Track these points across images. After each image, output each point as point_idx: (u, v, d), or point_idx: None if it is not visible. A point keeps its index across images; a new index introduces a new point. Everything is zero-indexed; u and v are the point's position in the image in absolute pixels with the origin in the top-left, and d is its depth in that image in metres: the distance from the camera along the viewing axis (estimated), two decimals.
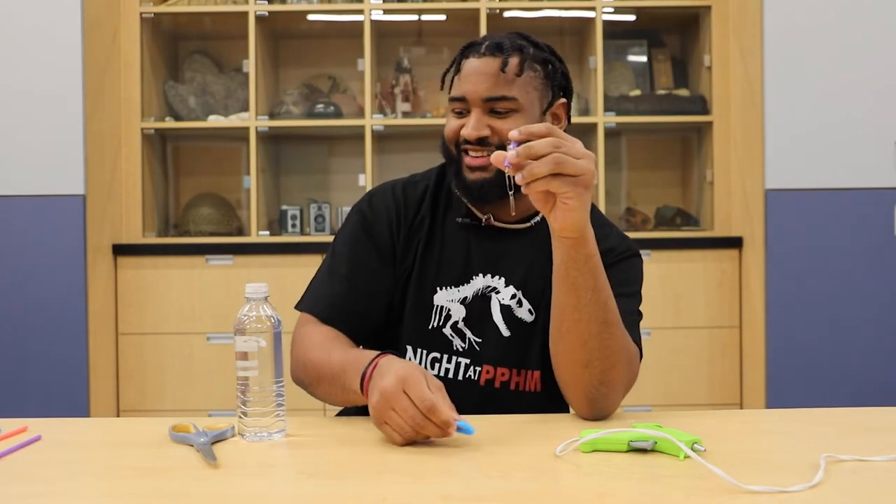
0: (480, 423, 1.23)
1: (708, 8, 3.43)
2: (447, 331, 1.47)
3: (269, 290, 1.22)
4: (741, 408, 3.30)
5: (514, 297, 1.47)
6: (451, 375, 1.46)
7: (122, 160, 3.41)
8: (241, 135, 3.58)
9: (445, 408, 1.14)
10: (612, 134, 3.62)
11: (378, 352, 1.27)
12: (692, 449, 1.06)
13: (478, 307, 1.47)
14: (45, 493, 1.01)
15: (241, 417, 1.21)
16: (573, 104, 1.53)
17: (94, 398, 3.18)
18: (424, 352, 1.47)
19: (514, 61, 1.40)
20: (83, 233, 3.13)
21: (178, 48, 3.82)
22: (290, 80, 3.83)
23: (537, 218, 1.50)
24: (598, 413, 1.31)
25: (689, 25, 3.67)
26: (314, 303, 1.47)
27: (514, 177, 1.17)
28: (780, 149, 3.16)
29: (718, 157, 3.41)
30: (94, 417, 3.10)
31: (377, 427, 1.19)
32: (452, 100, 1.45)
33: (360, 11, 3.47)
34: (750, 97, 3.25)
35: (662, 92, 3.64)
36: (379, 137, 3.57)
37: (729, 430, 1.29)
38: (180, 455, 1.14)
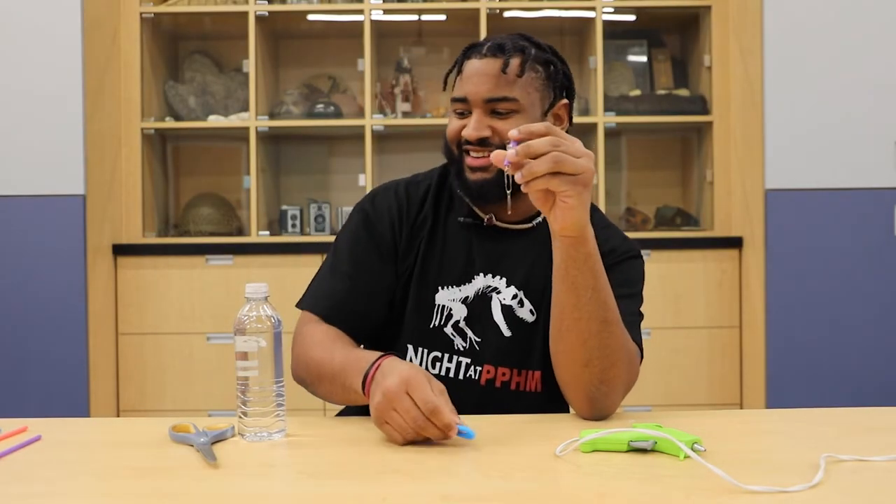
0: (480, 423, 1.23)
1: (708, 8, 3.43)
2: (448, 330, 1.47)
3: (269, 290, 1.23)
4: (741, 408, 3.30)
5: (515, 297, 1.47)
6: (451, 375, 1.46)
7: (122, 160, 3.41)
8: (241, 135, 3.58)
9: (448, 411, 1.14)
10: (612, 134, 3.62)
11: (381, 353, 1.28)
12: (692, 449, 1.06)
13: (479, 307, 1.47)
14: (45, 493, 1.01)
15: (241, 417, 1.21)
16: (574, 105, 1.53)
17: (94, 398, 3.18)
18: (425, 351, 1.47)
19: (515, 62, 1.41)
20: (83, 233, 3.13)
21: (178, 48, 3.82)
22: (290, 80, 3.83)
23: (539, 218, 1.50)
24: (599, 413, 1.31)
25: (689, 25, 3.67)
26: (315, 301, 1.47)
27: (513, 176, 1.18)
28: (780, 149, 3.16)
29: (718, 157, 3.41)
30: (94, 417, 3.10)
31: (378, 427, 1.19)
32: (454, 100, 1.45)
33: (360, 11, 3.47)
34: (750, 97, 3.25)
35: (662, 92, 3.64)
36: (379, 137, 3.57)
37: (729, 430, 1.29)
38: (180, 455, 1.14)
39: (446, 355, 1.47)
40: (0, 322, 3.12)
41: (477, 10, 3.43)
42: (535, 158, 1.16)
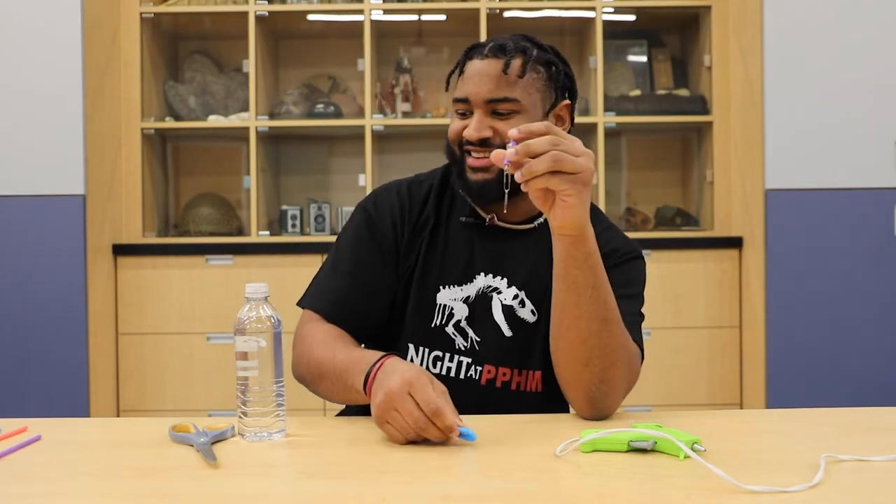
0: (480, 423, 1.23)
1: (708, 8, 3.43)
2: (449, 329, 1.47)
3: (269, 290, 1.23)
4: (741, 408, 3.30)
5: (516, 297, 1.47)
6: (452, 374, 1.47)
7: (122, 160, 3.41)
8: (241, 135, 3.58)
9: (450, 412, 1.15)
10: (612, 134, 3.62)
11: (383, 353, 1.28)
12: (692, 449, 1.06)
13: (480, 306, 1.48)
14: (45, 493, 1.01)
15: (241, 417, 1.21)
16: (575, 105, 1.53)
17: (94, 398, 3.18)
18: (426, 350, 1.48)
19: (516, 63, 1.41)
20: (83, 233, 3.13)
21: (178, 48, 3.82)
22: (290, 80, 3.83)
23: (541, 219, 1.50)
24: (599, 412, 1.31)
25: (689, 25, 3.67)
26: (317, 300, 1.48)
27: (512, 175, 1.18)
28: (780, 149, 3.16)
29: (718, 157, 3.41)
30: (94, 417, 3.10)
31: (379, 426, 1.19)
32: (455, 101, 1.45)
33: (360, 11, 3.47)
34: (750, 97, 3.25)
35: (662, 92, 3.64)
36: (379, 137, 3.57)
37: (729, 430, 1.29)
38: (180, 455, 1.14)
39: (447, 355, 1.47)
40: (0, 322, 3.12)
41: (477, 10, 3.43)
42: (534, 157, 1.16)
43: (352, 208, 1.57)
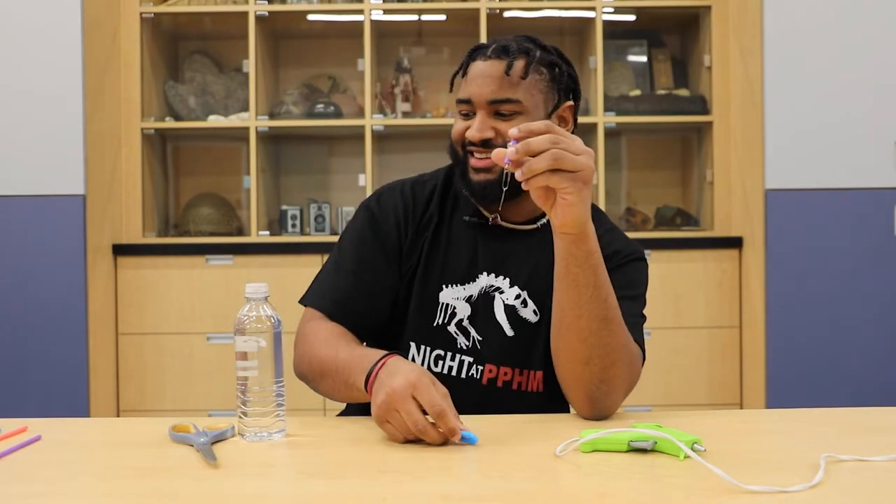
0: (481, 423, 1.23)
1: (708, 8, 3.43)
2: (452, 328, 1.47)
3: (269, 290, 1.23)
4: (741, 408, 3.30)
5: (518, 297, 1.48)
6: (454, 373, 1.47)
7: (122, 160, 3.41)
8: (241, 135, 3.58)
9: (452, 416, 1.15)
10: (612, 134, 3.62)
11: (385, 352, 1.28)
12: (692, 449, 1.06)
13: (482, 306, 1.48)
14: (45, 493, 1.01)
15: (241, 417, 1.21)
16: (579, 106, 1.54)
17: (94, 398, 3.18)
18: (428, 349, 1.48)
19: (519, 64, 1.41)
20: (83, 233, 3.13)
21: (178, 48, 3.82)
22: (290, 80, 3.83)
23: (543, 220, 1.51)
24: (599, 412, 1.31)
25: (689, 25, 3.67)
26: (320, 298, 1.48)
27: (512, 173, 1.19)
28: (780, 149, 3.16)
29: (718, 157, 3.41)
30: (94, 417, 3.10)
31: (379, 425, 1.19)
32: (459, 102, 1.46)
33: (360, 11, 3.47)
34: (750, 97, 3.25)
35: (662, 92, 3.64)
36: (379, 137, 3.57)
37: (729, 430, 1.29)
38: (180, 455, 1.14)
39: (449, 353, 1.47)
40: (0, 322, 3.12)
41: (477, 10, 3.43)
42: (534, 156, 1.17)
43: (352, 208, 1.58)
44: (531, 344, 1.47)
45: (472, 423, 1.21)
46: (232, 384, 1.30)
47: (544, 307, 1.46)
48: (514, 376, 1.47)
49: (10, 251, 3.13)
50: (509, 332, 1.47)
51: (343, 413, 1.57)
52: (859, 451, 1.09)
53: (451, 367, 1.47)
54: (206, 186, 3.76)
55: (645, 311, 1.46)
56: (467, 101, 1.44)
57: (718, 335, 3.35)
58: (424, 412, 1.15)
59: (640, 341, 1.38)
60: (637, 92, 3.59)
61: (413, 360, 1.47)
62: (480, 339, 1.47)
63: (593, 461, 1.08)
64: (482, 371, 1.47)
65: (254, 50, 3.43)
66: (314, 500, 0.98)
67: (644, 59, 3.74)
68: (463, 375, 1.47)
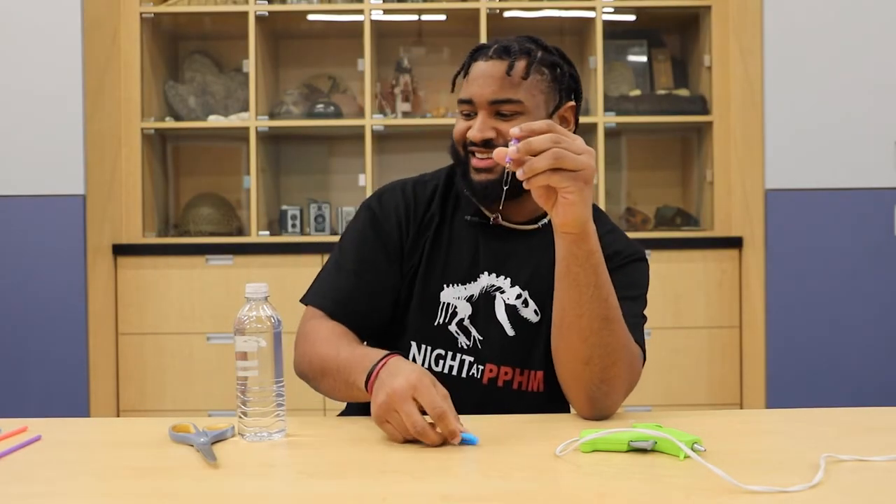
0: (481, 424, 1.23)
1: (708, 8, 3.43)
2: (453, 328, 1.47)
3: (269, 290, 1.23)
4: (741, 408, 3.30)
5: (519, 297, 1.48)
6: (454, 373, 1.47)
7: (122, 160, 3.41)
8: (241, 135, 3.58)
9: (453, 418, 1.15)
10: (612, 134, 3.62)
11: (387, 352, 1.28)
12: (692, 449, 1.06)
13: (483, 306, 1.48)
14: (45, 493, 1.01)
15: (241, 417, 1.21)
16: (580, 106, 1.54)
17: (94, 398, 3.18)
18: (429, 348, 1.48)
19: (520, 65, 1.42)
20: (83, 233, 3.13)
21: (178, 48, 3.82)
22: (290, 80, 3.83)
23: (545, 220, 1.51)
24: (599, 412, 1.31)
25: (689, 25, 3.67)
26: (321, 297, 1.48)
27: (513, 173, 1.19)
28: (780, 149, 3.16)
29: (718, 157, 3.41)
30: (94, 417, 3.10)
31: (378, 425, 1.19)
32: (460, 102, 1.46)
33: (360, 11, 3.47)
34: (750, 97, 3.25)
35: (662, 92, 3.64)
36: (379, 137, 3.57)
37: (729, 430, 1.29)
38: (180, 455, 1.14)
39: (450, 353, 1.47)
40: (0, 322, 3.12)
41: (477, 10, 3.43)
42: (535, 155, 1.17)
43: (352, 208, 1.58)
44: (532, 344, 1.47)
45: (472, 423, 1.21)
46: (232, 384, 1.30)
47: (545, 307, 1.46)
48: (515, 376, 1.47)
49: (10, 251, 3.13)
50: (510, 331, 1.47)
51: (343, 413, 1.58)
52: (859, 451, 1.09)
53: (451, 367, 1.47)
54: (206, 186, 3.76)
55: (645, 312, 1.46)
56: (468, 102, 1.44)
57: (718, 335, 3.35)
58: (424, 413, 1.15)
59: (640, 342, 1.38)
60: (637, 92, 3.59)
61: (414, 359, 1.47)
62: (481, 338, 1.47)
63: (593, 461, 1.08)
64: (483, 371, 1.47)
65: (254, 50, 3.43)
66: (314, 500, 0.98)
67: (644, 59, 3.74)
68: (463, 375, 1.47)
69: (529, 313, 1.48)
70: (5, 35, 3.11)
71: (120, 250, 3.34)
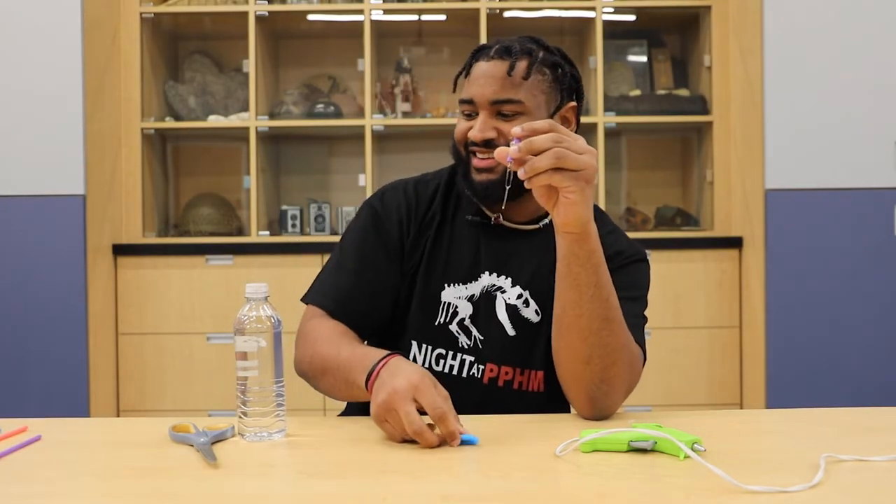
0: (481, 424, 1.23)
1: (708, 8, 3.43)
2: (453, 327, 1.48)
3: (269, 290, 1.23)
4: (741, 408, 3.30)
5: (520, 296, 1.48)
6: (455, 372, 1.47)
7: (122, 160, 3.41)
8: (241, 135, 3.58)
9: (453, 418, 1.15)
10: (612, 134, 3.62)
11: (388, 351, 1.28)
12: (692, 449, 1.06)
13: (484, 305, 1.48)
14: (45, 493, 1.01)
15: (241, 417, 1.21)
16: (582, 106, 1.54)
17: (94, 398, 3.18)
18: (429, 348, 1.48)
19: (521, 65, 1.42)
20: (83, 233, 3.13)
21: (178, 48, 3.82)
22: (290, 80, 3.83)
23: (546, 220, 1.51)
24: (599, 412, 1.31)
25: (689, 25, 3.67)
26: (322, 296, 1.48)
27: (515, 173, 1.19)
28: (780, 149, 3.16)
29: (718, 157, 3.41)
30: (94, 417, 3.10)
31: (377, 424, 1.19)
32: (461, 102, 1.46)
33: (360, 11, 3.47)
34: (750, 97, 3.25)
35: (662, 92, 3.64)
36: (379, 137, 3.57)
37: (729, 430, 1.29)
38: (180, 455, 1.14)
39: (450, 352, 1.47)
40: (0, 322, 3.12)
41: (477, 10, 3.43)
42: (537, 154, 1.17)
43: (352, 208, 1.58)
44: (532, 344, 1.47)
45: (472, 423, 1.21)
46: (232, 384, 1.30)
47: (546, 307, 1.46)
48: (515, 376, 1.47)
49: (10, 251, 3.13)
50: (511, 331, 1.47)
51: (343, 413, 1.58)
52: (859, 451, 1.09)
53: (452, 367, 1.47)
54: (206, 186, 3.76)
55: (646, 312, 1.46)
56: (470, 102, 1.44)
57: (718, 335, 3.35)
58: (423, 414, 1.15)
59: (641, 342, 1.38)
60: (637, 92, 3.59)
61: (414, 358, 1.48)
62: (482, 338, 1.47)
63: (593, 461, 1.08)
64: (483, 370, 1.47)
65: (254, 50, 3.43)
66: (314, 500, 0.98)
67: (644, 59, 3.74)
68: (464, 375, 1.47)
69: (530, 313, 1.48)
70: (5, 35, 3.11)
71: (120, 250, 3.34)
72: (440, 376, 1.38)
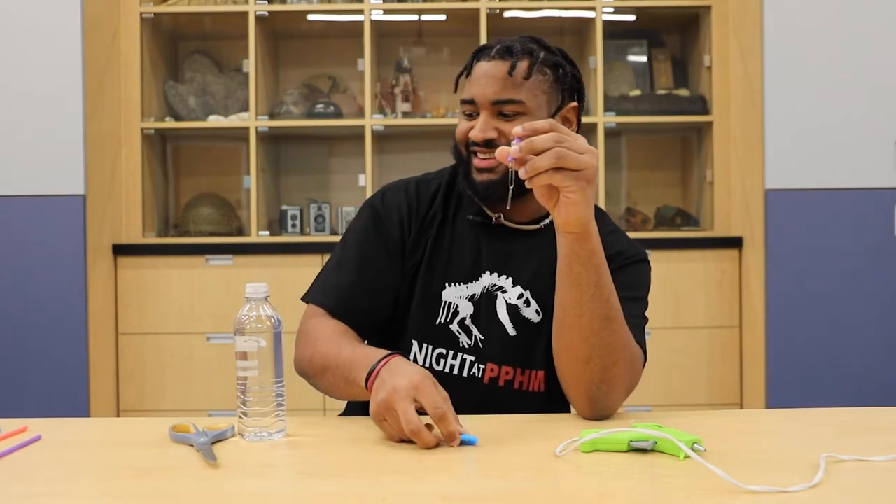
0: (481, 423, 1.23)
1: (708, 8, 3.43)
2: (454, 327, 1.48)
3: (269, 290, 1.23)
4: (741, 408, 3.30)
5: (521, 296, 1.48)
6: (455, 372, 1.47)
7: (122, 160, 3.41)
8: (241, 135, 3.58)
9: (453, 419, 1.15)
10: (612, 134, 3.62)
11: (388, 351, 1.28)
12: (692, 449, 1.06)
13: (485, 305, 1.48)
14: (45, 493, 1.01)
15: (241, 417, 1.21)
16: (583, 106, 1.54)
17: (94, 398, 3.18)
18: (430, 347, 1.48)
19: (522, 65, 1.42)
20: (83, 233, 3.13)
21: (178, 48, 3.82)
22: (290, 80, 3.83)
23: (547, 220, 1.51)
24: (600, 412, 1.31)
25: (689, 25, 3.67)
26: (322, 295, 1.48)
27: (517, 172, 1.19)
28: (780, 149, 3.16)
29: (718, 157, 3.41)
30: (94, 417, 3.10)
31: (376, 423, 1.19)
32: (463, 102, 1.47)
33: (360, 11, 3.47)
34: (750, 97, 3.25)
35: (662, 92, 3.64)
36: (379, 137, 3.57)
37: (729, 430, 1.29)
38: (180, 455, 1.14)
39: (451, 352, 1.47)
40: (0, 322, 3.12)
41: (477, 10, 3.42)
42: (538, 154, 1.17)
43: (352, 208, 1.58)
44: (533, 343, 1.47)
45: (473, 423, 1.21)
46: (232, 384, 1.30)
47: (547, 307, 1.46)
48: (516, 376, 1.47)
49: (10, 251, 3.13)
50: (511, 331, 1.47)
51: (344, 413, 1.58)
52: (859, 451, 1.09)
53: (452, 366, 1.47)
54: (206, 186, 3.76)
55: (646, 313, 1.46)
56: (471, 102, 1.44)
57: (718, 335, 3.35)
58: (423, 413, 1.15)
59: (641, 342, 1.38)
60: (637, 92, 3.59)
61: (415, 358, 1.48)
62: (482, 338, 1.47)
63: (593, 461, 1.08)
64: (484, 370, 1.47)
65: (254, 50, 3.44)
66: (314, 500, 0.98)
67: (644, 59, 3.74)
68: (464, 374, 1.47)
69: (531, 313, 1.48)
70: (5, 35, 3.11)
71: (120, 250, 3.34)
72: (440, 376, 1.38)
